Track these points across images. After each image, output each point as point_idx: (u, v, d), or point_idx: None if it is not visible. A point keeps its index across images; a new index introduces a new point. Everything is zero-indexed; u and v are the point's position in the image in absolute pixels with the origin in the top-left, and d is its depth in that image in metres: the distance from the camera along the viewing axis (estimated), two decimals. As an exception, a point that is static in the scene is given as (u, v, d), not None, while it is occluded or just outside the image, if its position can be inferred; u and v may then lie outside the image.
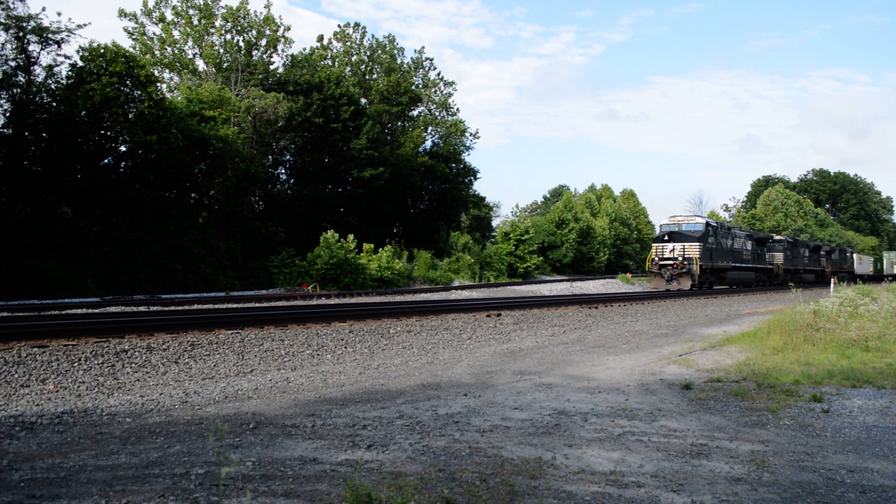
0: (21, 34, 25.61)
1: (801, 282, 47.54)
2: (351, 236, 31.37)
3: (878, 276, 73.78)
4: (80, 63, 26.42)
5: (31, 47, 26.36)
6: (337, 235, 30.49)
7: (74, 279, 22.24)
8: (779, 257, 45.66)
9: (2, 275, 20.76)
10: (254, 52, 38.74)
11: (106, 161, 27.17)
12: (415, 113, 49.92)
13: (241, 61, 37.26)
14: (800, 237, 77.76)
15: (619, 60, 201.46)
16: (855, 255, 67.22)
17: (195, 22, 37.34)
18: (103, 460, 4.62)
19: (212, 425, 5.59)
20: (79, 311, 12.85)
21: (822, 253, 56.37)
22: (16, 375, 7.56)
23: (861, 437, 5.65)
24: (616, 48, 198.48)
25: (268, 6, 40.55)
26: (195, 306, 14.33)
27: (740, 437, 5.55)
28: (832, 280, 26.97)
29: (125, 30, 37.61)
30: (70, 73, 26.69)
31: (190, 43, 37.99)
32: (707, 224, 33.19)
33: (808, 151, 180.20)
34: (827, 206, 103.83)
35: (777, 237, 49.25)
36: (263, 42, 39.01)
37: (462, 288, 32.18)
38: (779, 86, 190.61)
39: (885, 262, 77.63)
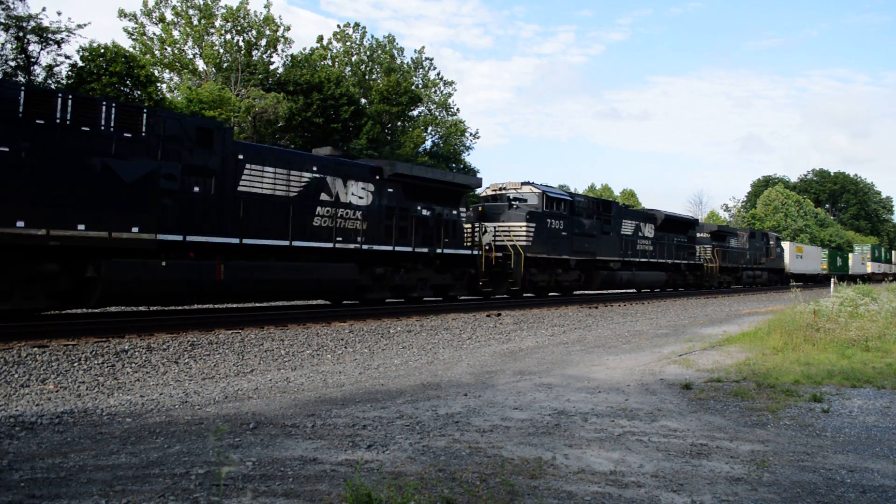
0: (21, 34, 25.62)
1: (742, 283, 40.17)
2: None
3: (836, 277, 60.34)
4: (80, 63, 26.43)
5: (31, 47, 26.38)
6: None
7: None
8: (710, 251, 35.20)
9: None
10: (254, 52, 38.76)
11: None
12: (415, 113, 49.90)
13: (241, 61, 37.26)
14: (799, 237, 76.99)
15: (619, 60, 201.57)
16: (791, 246, 50.43)
17: (195, 22, 37.36)
18: (103, 460, 4.62)
19: (212, 425, 5.59)
20: (79, 310, 12.84)
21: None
22: (16, 375, 7.56)
23: (861, 437, 5.65)
24: (616, 48, 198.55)
25: (268, 6, 40.58)
26: (195, 306, 14.31)
27: (740, 437, 5.55)
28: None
29: (125, 30, 37.64)
30: (70, 73, 26.70)
31: (190, 43, 38.01)
32: (545, 197, 21.50)
33: (809, 151, 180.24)
34: (827, 206, 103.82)
35: (713, 225, 39.03)
36: (263, 42, 39.03)
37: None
38: (778, 85, 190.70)
39: (851, 259, 64.75)
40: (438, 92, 53.59)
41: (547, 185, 23.80)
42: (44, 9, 29.65)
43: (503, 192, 21.74)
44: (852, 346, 10.53)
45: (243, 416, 6.01)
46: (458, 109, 68.74)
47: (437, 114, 53.06)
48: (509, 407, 6.49)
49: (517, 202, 21.10)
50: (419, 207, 17.11)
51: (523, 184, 21.71)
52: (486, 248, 19.70)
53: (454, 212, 18.20)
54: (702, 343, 12.18)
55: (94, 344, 9.41)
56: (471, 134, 54.73)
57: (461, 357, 10.16)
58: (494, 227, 20.44)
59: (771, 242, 44.95)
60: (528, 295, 22.23)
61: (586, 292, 25.81)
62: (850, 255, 67.04)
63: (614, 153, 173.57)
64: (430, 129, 51.70)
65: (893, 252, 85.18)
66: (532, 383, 7.84)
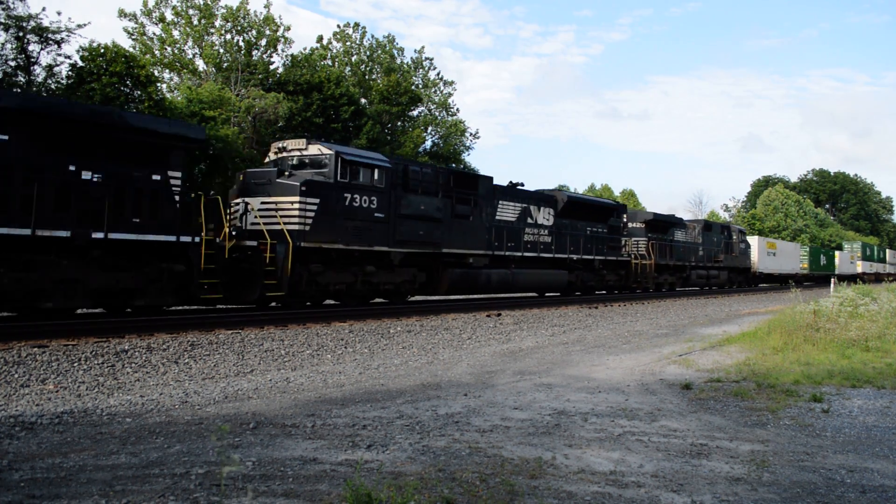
0: (21, 34, 25.61)
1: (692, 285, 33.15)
2: None
3: (814, 277, 53.11)
4: (80, 63, 26.42)
5: (31, 47, 26.37)
6: None
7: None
8: (643, 245, 28.44)
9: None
10: (254, 52, 38.74)
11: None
12: (415, 113, 49.89)
13: (241, 61, 37.25)
14: (799, 237, 76.66)
15: (619, 60, 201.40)
16: (760, 242, 44.01)
17: (195, 22, 37.35)
18: (103, 460, 4.62)
19: (212, 425, 5.59)
20: (79, 310, 12.83)
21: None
22: (16, 375, 7.56)
23: (861, 437, 5.65)
24: (615, 48, 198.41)
25: (268, 6, 40.58)
26: (195, 306, 14.30)
27: (740, 437, 5.55)
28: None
29: (125, 30, 37.62)
30: (70, 72, 26.69)
31: (190, 43, 38.00)
32: (339, 160, 14.87)
33: (809, 151, 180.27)
34: (827, 206, 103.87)
35: (648, 213, 31.02)
36: (263, 42, 39.02)
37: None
38: (778, 85, 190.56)
39: (838, 257, 59.04)
40: (438, 92, 53.58)
41: (355, 150, 16.61)
42: (44, 9, 29.66)
43: (284, 155, 15.36)
44: (852, 346, 10.53)
45: (243, 416, 6.01)
46: (458, 109, 68.73)
47: (437, 114, 53.04)
48: (509, 407, 6.50)
49: (292, 170, 14.89)
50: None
51: (309, 142, 15.26)
52: (228, 234, 13.45)
53: (154, 176, 11.87)
54: (702, 343, 12.18)
55: (94, 344, 9.41)
56: (471, 134, 54.72)
57: (461, 357, 10.16)
58: (260, 204, 14.22)
59: (734, 237, 38.18)
60: (327, 305, 16.15)
61: (430, 298, 19.58)
62: (837, 253, 61.23)
63: (614, 153, 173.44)
64: (430, 129, 51.69)
65: (888, 251, 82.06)
66: (532, 383, 7.84)
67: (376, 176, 15.59)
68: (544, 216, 22.01)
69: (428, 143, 50.44)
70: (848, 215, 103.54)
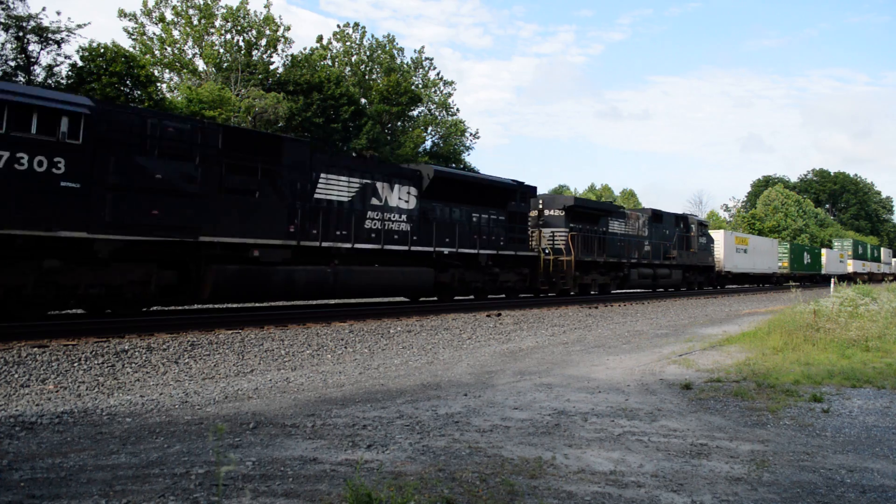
0: (21, 34, 25.62)
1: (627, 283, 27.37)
2: None
3: (797, 278, 47.07)
4: (80, 63, 26.45)
5: (31, 47, 26.38)
6: None
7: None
8: (563, 237, 23.08)
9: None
10: (254, 52, 38.78)
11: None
12: (415, 113, 49.93)
13: (241, 61, 37.27)
14: (799, 237, 76.43)
15: (619, 60, 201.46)
16: (727, 237, 37.96)
17: (195, 22, 37.38)
18: (103, 460, 4.62)
19: (212, 425, 5.59)
20: (79, 310, 12.83)
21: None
22: (16, 375, 7.56)
23: (861, 436, 5.65)
24: (615, 48, 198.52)
25: (267, 6, 40.60)
26: (195, 306, 14.31)
27: (740, 437, 5.55)
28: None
29: (125, 30, 37.67)
30: (70, 72, 26.72)
31: (190, 43, 38.03)
32: None
33: (809, 151, 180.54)
34: (827, 206, 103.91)
35: (569, 198, 25.22)
36: (263, 42, 39.05)
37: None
38: (778, 85, 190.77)
39: (825, 256, 55.07)
40: (438, 92, 53.62)
41: None
42: (44, 9, 29.65)
43: None
44: (852, 346, 10.53)
45: (243, 416, 6.01)
46: (457, 109, 68.78)
47: (437, 114, 53.08)
48: (509, 407, 6.49)
49: None
50: None
51: None
52: None
53: None
54: (702, 343, 12.18)
55: (94, 344, 9.41)
56: (471, 134, 54.79)
57: (461, 357, 10.16)
58: None
59: (692, 230, 32.36)
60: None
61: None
62: (824, 251, 56.66)
63: (614, 153, 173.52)
64: (430, 129, 51.72)
65: (883, 249, 78.56)
66: (532, 383, 7.84)
67: (65, 127, 10.56)
68: (401, 197, 16.82)
69: (428, 143, 50.47)
70: (848, 215, 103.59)
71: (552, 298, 22.15)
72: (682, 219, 32.10)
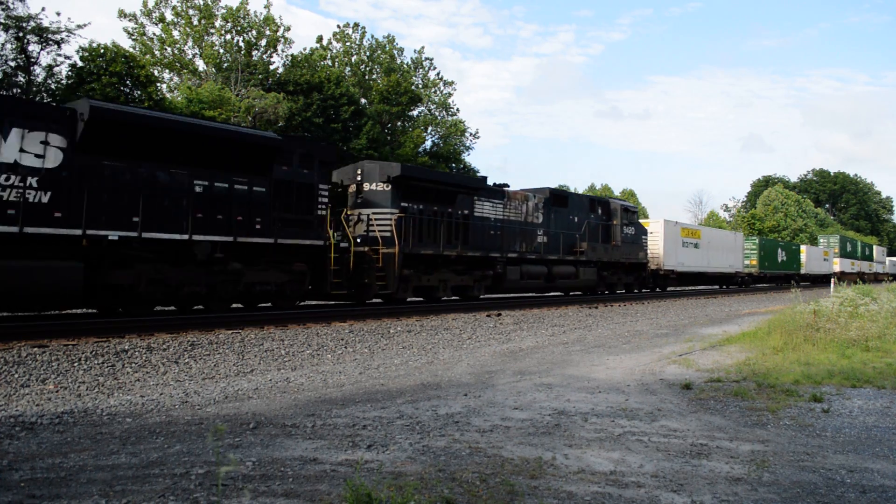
0: (21, 34, 25.63)
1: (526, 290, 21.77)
2: None
3: (768, 279, 43.04)
4: (80, 63, 26.45)
5: (31, 47, 26.39)
6: None
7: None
8: (387, 223, 16.58)
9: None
10: (254, 52, 38.76)
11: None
12: (415, 113, 49.90)
13: (240, 61, 37.26)
14: (799, 237, 76.33)
15: (619, 60, 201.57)
16: (669, 229, 30.63)
17: (195, 22, 37.36)
18: (103, 460, 4.62)
19: (212, 425, 5.59)
20: (79, 310, 12.83)
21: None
22: (16, 375, 7.56)
23: (861, 437, 5.65)
24: (616, 48, 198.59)
25: (267, 6, 40.62)
26: (195, 306, 14.30)
27: (740, 437, 5.55)
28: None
29: (125, 30, 37.65)
30: (70, 73, 26.73)
31: (190, 43, 38.02)
32: None
33: (809, 151, 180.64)
34: (827, 206, 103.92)
35: (413, 167, 19.87)
36: (263, 42, 39.03)
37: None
38: (778, 85, 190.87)
39: (805, 253, 48.73)
40: (438, 92, 53.58)
41: None
42: (43, 9, 29.63)
43: None
44: (852, 345, 10.53)
45: (243, 416, 6.01)
46: (457, 109, 68.69)
47: (436, 114, 53.04)
48: (509, 407, 6.49)
49: None
50: None
51: None
52: None
53: None
54: (702, 343, 12.18)
55: (94, 344, 9.41)
56: (471, 134, 54.72)
57: (461, 357, 10.16)
58: None
59: (615, 218, 25.41)
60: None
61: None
62: (804, 247, 49.86)
63: (614, 153, 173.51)
64: (430, 129, 51.69)
65: (876, 248, 73.51)
66: (532, 383, 7.84)
67: None
68: (26, 148, 10.44)
69: (428, 143, 50.45)
70: (848, 215, 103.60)
71: (552, 298, 21.96)
72: (599, 203, 25.44)
